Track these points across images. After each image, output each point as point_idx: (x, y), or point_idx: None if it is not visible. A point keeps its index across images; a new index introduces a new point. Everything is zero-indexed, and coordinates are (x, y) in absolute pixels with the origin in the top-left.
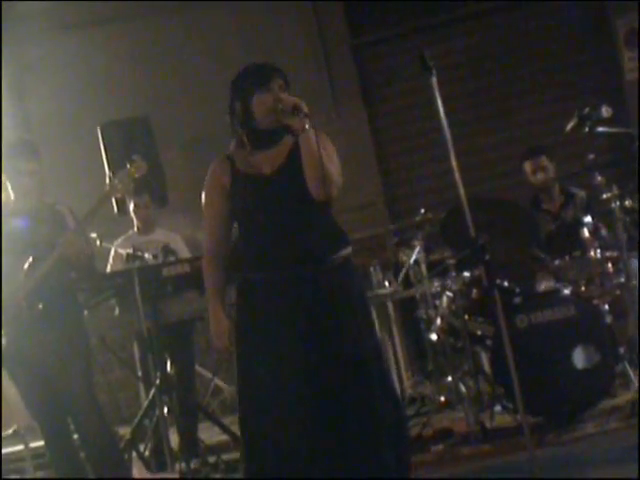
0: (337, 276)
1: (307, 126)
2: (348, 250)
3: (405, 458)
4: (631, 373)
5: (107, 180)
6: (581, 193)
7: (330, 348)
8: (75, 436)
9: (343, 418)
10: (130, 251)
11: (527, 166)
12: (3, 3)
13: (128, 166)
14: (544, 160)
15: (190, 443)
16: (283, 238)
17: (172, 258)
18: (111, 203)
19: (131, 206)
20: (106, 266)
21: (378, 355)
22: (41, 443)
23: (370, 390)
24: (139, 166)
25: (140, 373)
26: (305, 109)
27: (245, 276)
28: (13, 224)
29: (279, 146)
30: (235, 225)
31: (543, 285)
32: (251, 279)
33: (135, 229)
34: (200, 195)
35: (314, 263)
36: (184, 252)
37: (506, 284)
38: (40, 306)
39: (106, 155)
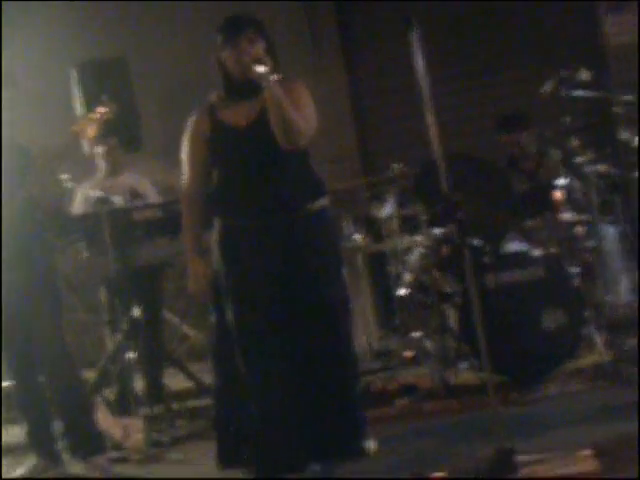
0: (311, 225)
1: (272, 77)
2: (324, 200)
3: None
4: (596, 336)
5: (82, 119)
6: (557, 153)
7: (300, 294)
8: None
9: (309, 365)
10: (101, 194)
11: (502, 139)
12: None
13: (96, 107)
14: (519, 137)
15: (155, 389)
16: (259, 187)
17: (139, 202)
18: (81, 145)
19: (99, 149)
20: (72, 209)
21: (345, 306)
22: (7, 383)
23: (335, 337)
24: (108, 107)
25: (107, 317)
26: (266, 63)
27: (223, 222)
28: None
29: (255, 98)
30: (214, 171)
31: (513, 245)
32: (228, 225)
33: (102, 173)
34: (176, 141)
35: (288, 212)
36: (152, 196)
37: (477, 243)
38: (9, 247)
39: (80, 95)
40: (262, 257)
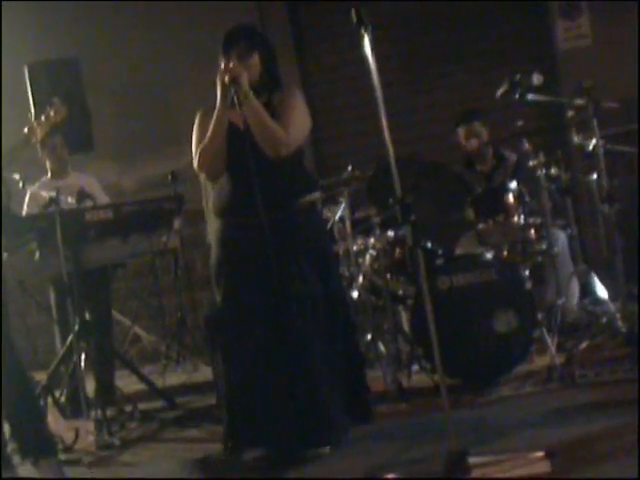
0: (297, 220)
1: (249, 96)
2: (312, 197)
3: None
4: (548, 339)
5: (32, 120)
6: (512, 156)
7: (286, 286)
8: None
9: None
10: (53, 194)
11: (460, 131)
12: None
13: (47, 109)
14: (477, 125)
15: (106, 391)
16: (251, 187)
17: (89, 202)
18: (34, 145)
19: (45, 147)
20: (21, 210)
21: (340, 298)
22: None
23: (334, 327)
24: (58, 110)
25: (56, 318)
26: (240, 81)
27: (221, 220)
28: None
29: None
30: None
31: (465, 248)
32: (225, 223)
33: (49, 174)
34: (128, 143)
35: (281, 208)
36: (100, 195)
37: (429, 245)
38: None
39: (32, 95)
40: (257, 252)
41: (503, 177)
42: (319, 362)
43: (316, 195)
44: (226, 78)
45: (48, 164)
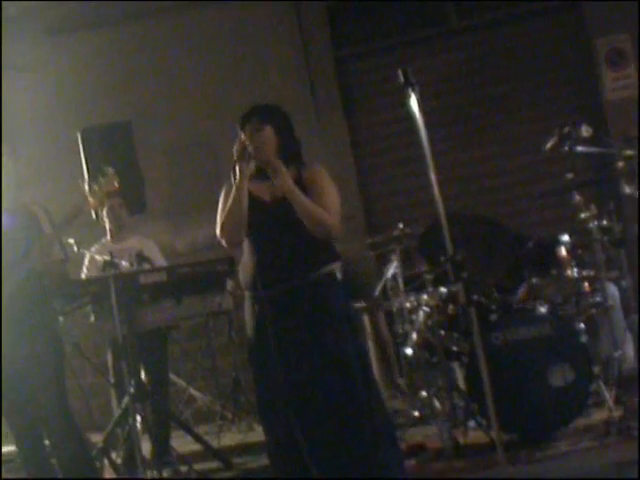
0: (321, 289)
1: (288, 184)
2: (333, 266)
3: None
4: (605, 392)
5: (85, 188)
6: None
7: (311, 357)
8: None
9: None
10: (108, 258)
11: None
12: None
13: (100, 178)
14: None
15: (162, 452)
16: (276, 258)
17: (146, 265)
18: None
19: (104, 209)
20: (81, 272)
21: (364, 365)
22: (10, 448)
23: (351, 397)
24: (111, 180)
25: (113, 380)
26: (248, 152)
27: (250, 294)
28: None
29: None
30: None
31: (519, 303)
32: (253, 296)
33: (108, 236)
34: (179, 204)
35: (299, 280)
36: (158, 258)
37: (483, 300)
38: (14, 314)
39: (85, 160)
40: (283, 322)
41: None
42: (363, 426)
43: (337, 264)
44: (234, 151)
45: (107, 226)
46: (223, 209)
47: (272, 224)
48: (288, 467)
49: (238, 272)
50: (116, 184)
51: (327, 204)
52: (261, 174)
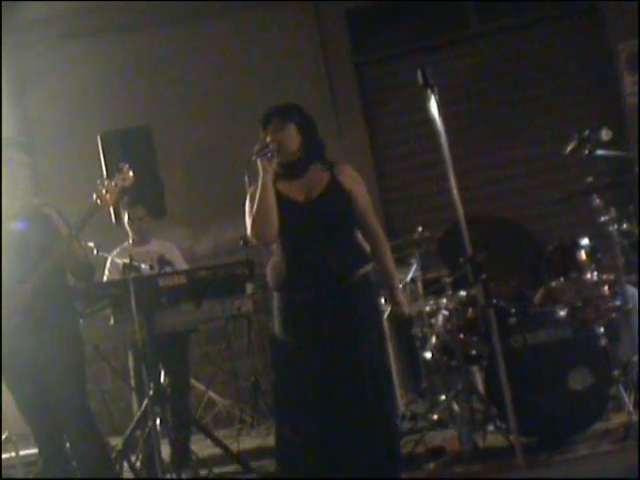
0: (355, 293)
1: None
2: (367, 268)
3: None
4: (625, 396)
5: (101, 186)
6: None
7: (344, 360)
8: (67, 445)
9: (348, 423)
10: (127, 261)
11: None
12: (8, 10)
13: (116, 174)
14: None
15: (182, 455)
16: (309, 261)
17: (168, 269)
18: (108, 212)
19: (125, 217)
20: (103, 276)
21: (385, 370)
22: (32, 451)
23: (379, 397)
24: (126, 175)
25: (134, 383)
26: (269, 147)
27: (281, 296)
28: (8, 228)
29: (308, 176)
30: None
31: (539, 306)
32: (285, 298)
33: (130, 240)
34: (199, 208)
35: (334, 283)
36: (180, 262)
37: (502, 304)
38: (35, 314)
39: (105, 164)
40: (315, 326)
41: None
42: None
43: (371, 266)
44: (255, 148)
45: (130, 232)
46: (251, 209)
47: (306, 224)
48: (300, 466)
49: (266, 274)
50: (131, 178)
51: (374, 221)
52: (288, 173)
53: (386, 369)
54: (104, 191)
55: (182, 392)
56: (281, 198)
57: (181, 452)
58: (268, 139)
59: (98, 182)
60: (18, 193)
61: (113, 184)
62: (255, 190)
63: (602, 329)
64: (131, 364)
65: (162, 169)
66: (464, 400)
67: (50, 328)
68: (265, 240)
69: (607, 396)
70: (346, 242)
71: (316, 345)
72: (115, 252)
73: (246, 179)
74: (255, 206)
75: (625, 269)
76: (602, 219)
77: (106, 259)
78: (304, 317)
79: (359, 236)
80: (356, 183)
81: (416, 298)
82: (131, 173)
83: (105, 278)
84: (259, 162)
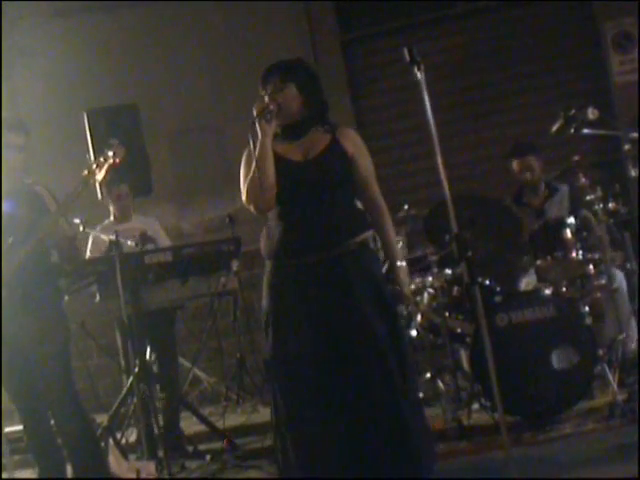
0: (353, 259)
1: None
2: (365, 234)
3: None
4: (609, 375)
5: (91, 161)
6: (564, 187)
7: (343, 327)
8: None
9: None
10: (113, 237)
11: (514, 164)
12: None
13: (105, 150)
14: (531, 159)
15: (171, 432)
16: (306, 224)
17: (150, 245)
18: (94, 189)
19: (110, 195)
20: (85, 253)
21: (397, 336)
22: (17, 427)
23: (383, 370)
24: (116, 150)
25: (123, 361)
26: (269, 108)
27: (274, 263)
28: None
29: (309, 137)
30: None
31: (524, 284)
32: (279, 265)
33: (112, 217)
34: (185, 185)
35: (332, 248)
36: (162, 238)
37: (487, 282)
38: (20, 291)
39: (91, 141)
40: (310, 292)
41: (556, 210)
42: (384, 403)
43: (369, 233)
44: (254, 109)
45: (112, 209)
46: (246, 175)
47: (302, 183)
48: (300, 443)
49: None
50: (121, 154)
51: (374, 192)
52: (287, 134)
53: (398, 350)
54: (94, 165)
55: (170, 369)
56: (278, 160)
57: (170, 429)
58: (266, 100)
59: (87, 157)
60: (11, 174)
61: (103, 159)
62: (250, 154)
63: (587, 308)
64: (119, 341)
65: (148, 146)
66: (449, 378)
67: (33, 304)
68: (261, 207)
69: (592, 375)
70: (343, 207)
71: (309, 315)
72: (98, 229)
73: (250, 143)
74: (252, 170)
75: (610, 248)
76: (588, 198)
77: (88, 236)
78: (300, 283)
79: (358, 204)
80: (358, 149)
81: None
82: (121, 148)
83: (87, 255)
84: (257, 124)
